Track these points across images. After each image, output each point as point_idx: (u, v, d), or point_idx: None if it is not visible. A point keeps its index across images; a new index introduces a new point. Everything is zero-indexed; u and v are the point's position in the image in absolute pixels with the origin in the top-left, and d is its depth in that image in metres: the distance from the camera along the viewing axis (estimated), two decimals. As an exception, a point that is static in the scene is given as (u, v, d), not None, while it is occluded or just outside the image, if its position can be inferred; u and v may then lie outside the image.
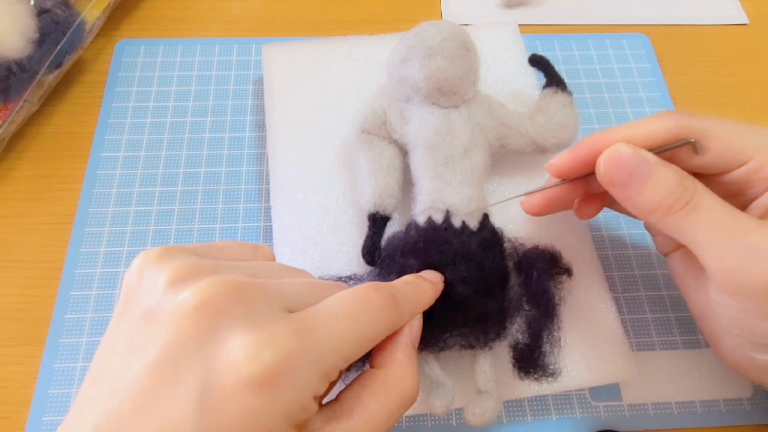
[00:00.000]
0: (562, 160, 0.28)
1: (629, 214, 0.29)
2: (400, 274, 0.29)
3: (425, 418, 0.33)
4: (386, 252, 0.31)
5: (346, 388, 0.22)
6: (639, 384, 0.34)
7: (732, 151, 0.26)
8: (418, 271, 0.29)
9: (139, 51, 0.46)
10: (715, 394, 0.34)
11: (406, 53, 0.33)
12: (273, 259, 0.26)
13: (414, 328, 0.24)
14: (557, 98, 0.36)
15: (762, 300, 0.24)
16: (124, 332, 0.20)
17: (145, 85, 0.44)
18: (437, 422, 0.33)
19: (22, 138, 0.41)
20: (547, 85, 0.37)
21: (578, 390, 0.34)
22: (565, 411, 0.33)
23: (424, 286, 0.26)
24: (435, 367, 0.30)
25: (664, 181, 0.25)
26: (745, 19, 0.50)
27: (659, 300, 0.37)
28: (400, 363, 0.23)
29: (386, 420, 0.21)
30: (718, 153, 0.26)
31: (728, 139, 0.26)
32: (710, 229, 0.24)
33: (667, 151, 0.26)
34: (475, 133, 0.33)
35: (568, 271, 0.32)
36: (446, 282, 0.28)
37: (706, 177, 0.27)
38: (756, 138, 0.26)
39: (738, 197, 0.27)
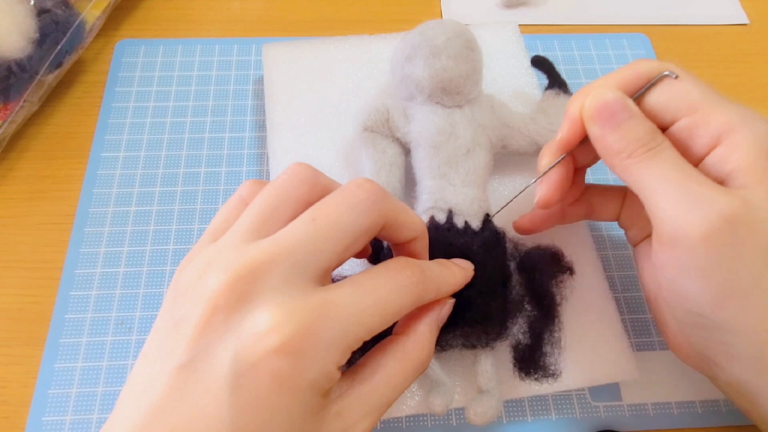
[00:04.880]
0: (563, 131, 0.29)
1: (602, 218, 0.32)
2: None
3: (425, 418, 0.33)
4: (388, 250, 0.31)
5: (368, 353, 0.24)
6: (639, 384, 0.34)
7: (686, 95, 0.27)
8: None
9: (139, 51, 0.46)
10: (715, 394, 0.34)
11: (411, 51, 0.33)
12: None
13: (444, 310, 0.26)
14: (559, 100, 0.36)
15: (691, 250, 0.24)
16: (159, 326, 0.22)
17: (145, 85, 0.44)
18: (437, 422, 0.33)
19: (22, 138, 0.41)
20: (550, 86, 0.37)
21: (578, 390, 0.34)
22: (565, 411, 0.33)
23: (454, 269, 0.27)
24: (435, 366, 0.30)
25: (638, 127, 0.26)
26: (745, 19, 0.50)
27: (659, 300, 0.37)
28: (421, 334, 0.24)
29: (402, 383, 0.23)
30: (672, 95, 0.27)
31: (689, 86, 0.27)
32: (662, 175, 0.25)
33: (649, 88, 0.27)
34: (477, 134, 0.33)
35: (569, 270, 0.32)
36: None
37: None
38: (712, 98, 0.26)
39: (685, 153, 0.27)
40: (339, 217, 0.22)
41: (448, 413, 0.33)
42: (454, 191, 0.31)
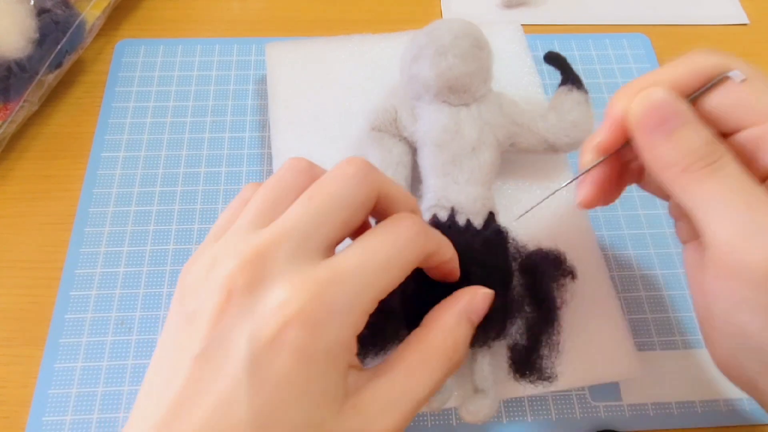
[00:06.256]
0: (603, 133, 0.26)
1: (655, 192, 0.28)
2: None
3: (425, 417, 0.33)
4: None
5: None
6: (639, 384, 0.34)
7: (755, 101, 0.23)
8: (421, 270, 0.29)
9: (139, 51, 0.46)
10: (715, 394, 0.34)
11: (417, 51, 0.33)
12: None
13: (476, 300, 0.25)
14: (571, 96, 0.35)
15: (755, 286, 0.22)
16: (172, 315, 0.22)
17: (145, 85, 0.44)
18: (437, 422, 0.33)
19: (22, 138, 0.41)
20: (563, 83, 0.36)
21: (578, 390, 0.34)
22: (565, 411, 0.33)
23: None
24: None
25: (694, 136, 0.23)
26: (745, 19, 0.50)
27: (659, 300, 0.37)
28: (445, 323, 0.24)
29: (425, 376, 0.22)
30: (738, 99, 0.24)
31: (760, 89, 0.24)
32: (723, 197, 0.22)
33: (710, 89, 0.24)
34: (484, 132, 0.33)
35: (572, 274, 0.32)
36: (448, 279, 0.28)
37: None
38: None
39: (750, 165, 0.24)
40: (335, 191, 0.22)
41: (448, 413, 0.33)
42: (457, 189, 0.31)
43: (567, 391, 0.34)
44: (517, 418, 0.33)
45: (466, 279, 0.28)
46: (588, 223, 0.36)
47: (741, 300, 0.22)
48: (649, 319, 0.36)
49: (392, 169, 0.33)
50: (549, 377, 0.30)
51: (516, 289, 0.31)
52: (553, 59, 0.38)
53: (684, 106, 0.23)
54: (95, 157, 0.41)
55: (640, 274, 0.38)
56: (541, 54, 0.38)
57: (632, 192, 0.34)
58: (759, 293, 0.22)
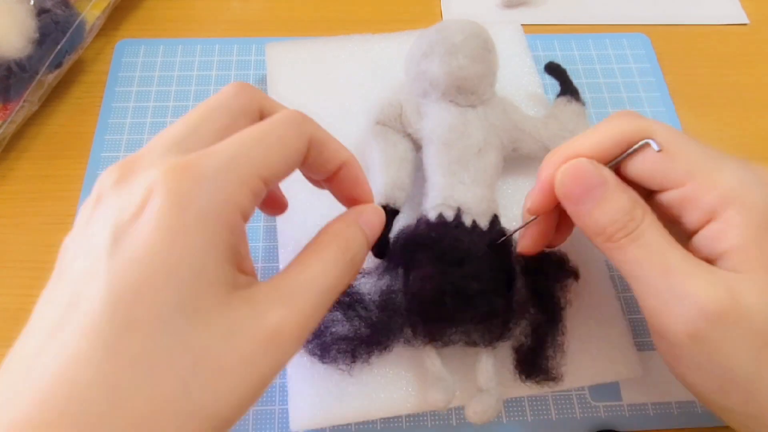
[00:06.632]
0: (534, 198, 0.27)
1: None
2: (407, 268, 0.29)
3: (425, 417, 0.33)
4: (395, 246, 0.31)
5: None
6: (639, 384, 0.34)
7: (674, 166, 0.24)
8: (426, 266, 0.29)
9: (139, 51, 0.46)
10: (715, 394, 0.34)
11: (427, 48, 0.33)
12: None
13: (366, 211, 0.24)
14: (570, 107, 0.36)
15: (682, 349, 0.23)
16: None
17: (145, 85, 0.44)
18: (437, 422, 0.33)
19: (22, 138, 0.41)
20: (562, 93, 0.37)
21: (578, 390, 0.34)
22: (565, 410, 0.33)
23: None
24: (437, 362, 0.30)
25: (616, 205, 0.24)
26: (745, 19, 0.50)
27: (659, 300, 0.37)
28: (335, 227, 0.23)
29: (322, 270, 0.21)
30: (657, 164, 0.25)
31: (677, 153, 0.24)
32: (644, 264, 0.23)
33: (629, 155, 0.25)
34: (490, 134, 0.33)
35: (575, 274, 0.32)
36: (458, 278, 0.28)
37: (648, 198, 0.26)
38: (706, 164, 0.24)
39: (676, 225, 0.25)
40: (211, 100, 0.21)
41: (448, 412, 0.33)
42: (463, 189, 0.31)
43: (567, 391, 0.34)
44: (517, 418, 0.33)
45: (474, 279, 0.28)
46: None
47: (677, 359, 0.25)
48: (649, 319, 0.36)
49: (396, 165, 0.33)
50: (555, 377, 0.30)
51: (520, 291, 0.31)
52: (553, 70, 0.39)
53: (606, 174, 0.25)
54: (95, 157, 0.41)
55: (640, 274, 0.38)
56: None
57: (632, 192, 0.35)
58: (687, 353, 0.23)
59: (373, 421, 0.32)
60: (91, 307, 0.17)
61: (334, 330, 0.30)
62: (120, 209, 0.18)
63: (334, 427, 0.32)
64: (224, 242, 0.19)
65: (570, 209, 0.26)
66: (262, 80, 0.44)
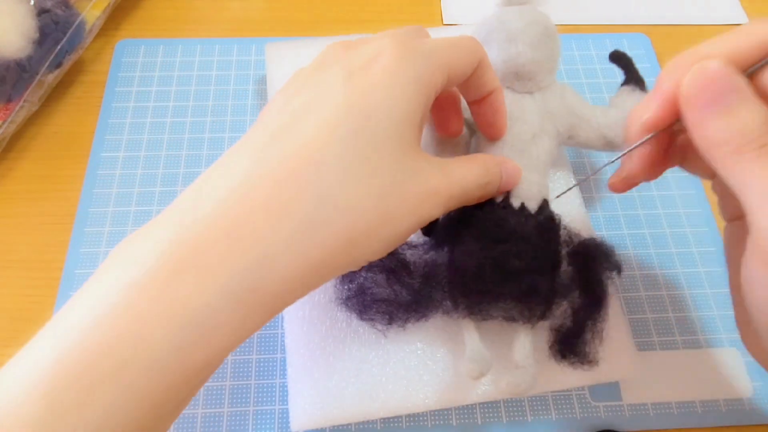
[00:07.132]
0: (655, 108, 0.25)
1: (698, 171, 0.27)
2: (454, 246, 0.30)
3: (425, 417, 0.33)
4: (442, 224, 0.31)
5: None
6: (639, 384, 0.34)
7: None
8: (473, 245, 0.29)
9: (139, 51, 0.46)
10: (715, 394, 0.34)
11: (486, 35, 0.33)
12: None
13: (508, 163, 0.30)
14: (634, 96, 0.35)
15: None
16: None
17: (145, 85, 0.44)
18: (437, 422, 0.33)
19: (22, 138, 0.41)
20: (626, 82, 0.36)
21: (578, 390, 0.34)
22: (565, 411, 0.33)
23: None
24: (475, 335, 0.30)
25: (749, 116, 0.22)
26: (745, 19, 0.50)
27: (659, 300, 0.37)
28: (484, 156, 0.29)
29: (469, 171, 0.27)
30: None
31: None
32: None
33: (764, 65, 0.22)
34: (545, 121, 0.32)
35: (618, 268, 0.31)
36: (499, 253, 0.28)
37: None
38: None
39: None
40: (452, 38, 0.27)
41: (448, 412, 0.33)
42: None
43: (567, 391, 0.34)
44: (517, 418, 0.33)
45: (516, 258, 0.28)
46: (588, 223, 0.36)
47: None
48: (649, 319, 0.36)
49: (452, 145, 0.33)
50: (591, 361, 0.30)
51: (565, 273, 0.31)
52: (618, 58, 0.38)
53: (741, 82, 0.22)
54: (95, 157, 0.41)
55: (640, 274, 0.38)
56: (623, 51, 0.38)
57: (632, 192, 0.34)
58: None
59: (373, 421, 0.33)
60: (328, 110, 0.22)
61: (375, 291, 0.30)
62: (351, 62, 0.24)
63: (334, 427, 0.32)
64: (423, 105, 0.24)
65: (693, 116, 0.23)
66: (262, 80, 0.44)
